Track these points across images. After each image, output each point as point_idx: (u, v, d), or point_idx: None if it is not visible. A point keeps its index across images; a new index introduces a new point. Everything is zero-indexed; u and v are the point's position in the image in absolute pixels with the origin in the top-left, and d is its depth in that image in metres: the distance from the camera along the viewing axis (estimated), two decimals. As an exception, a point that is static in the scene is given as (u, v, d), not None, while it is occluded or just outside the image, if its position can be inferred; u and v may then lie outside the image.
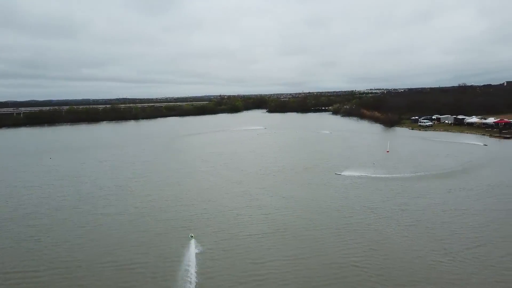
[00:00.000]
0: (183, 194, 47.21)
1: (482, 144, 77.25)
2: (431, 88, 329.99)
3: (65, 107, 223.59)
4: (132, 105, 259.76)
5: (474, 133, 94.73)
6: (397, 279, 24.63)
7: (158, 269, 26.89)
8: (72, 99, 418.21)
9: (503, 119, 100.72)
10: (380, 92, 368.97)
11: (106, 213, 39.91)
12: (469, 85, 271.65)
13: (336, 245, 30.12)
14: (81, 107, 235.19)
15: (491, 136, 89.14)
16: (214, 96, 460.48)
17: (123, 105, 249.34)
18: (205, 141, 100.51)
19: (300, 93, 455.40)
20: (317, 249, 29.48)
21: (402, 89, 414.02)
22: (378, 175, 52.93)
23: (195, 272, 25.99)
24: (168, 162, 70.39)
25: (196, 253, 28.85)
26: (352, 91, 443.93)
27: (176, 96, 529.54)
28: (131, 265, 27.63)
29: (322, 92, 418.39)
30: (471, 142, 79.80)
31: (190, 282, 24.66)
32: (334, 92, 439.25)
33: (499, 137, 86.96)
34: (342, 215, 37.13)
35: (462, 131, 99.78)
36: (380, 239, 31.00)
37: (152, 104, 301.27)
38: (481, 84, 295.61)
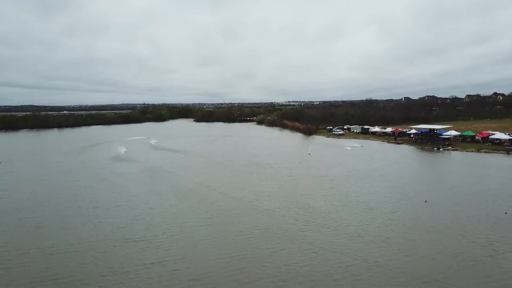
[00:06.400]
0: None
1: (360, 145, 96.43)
2: (342, 101, 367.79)
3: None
4: (55, 113, 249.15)
5: (376, 140, 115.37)
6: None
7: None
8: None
9: (397, 129, 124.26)
10: (298, 105, 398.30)
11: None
12: (375, 99, 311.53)
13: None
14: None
15: (388, 142, 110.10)
16: (132, 104, 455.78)
17: (43, 112, 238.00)
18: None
19: (222, 104, 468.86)
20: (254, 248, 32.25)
21: (317, 101, 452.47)
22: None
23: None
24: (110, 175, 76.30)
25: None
26: (272, 103, 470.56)
27: (90, 104, 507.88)
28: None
29: (244, 104, 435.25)
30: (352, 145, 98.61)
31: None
32: (255, 103, 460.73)
33: (394, 142, 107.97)
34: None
35: (367, 138, 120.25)
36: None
37: (70, 112, 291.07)
38: (385, 99, 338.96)
